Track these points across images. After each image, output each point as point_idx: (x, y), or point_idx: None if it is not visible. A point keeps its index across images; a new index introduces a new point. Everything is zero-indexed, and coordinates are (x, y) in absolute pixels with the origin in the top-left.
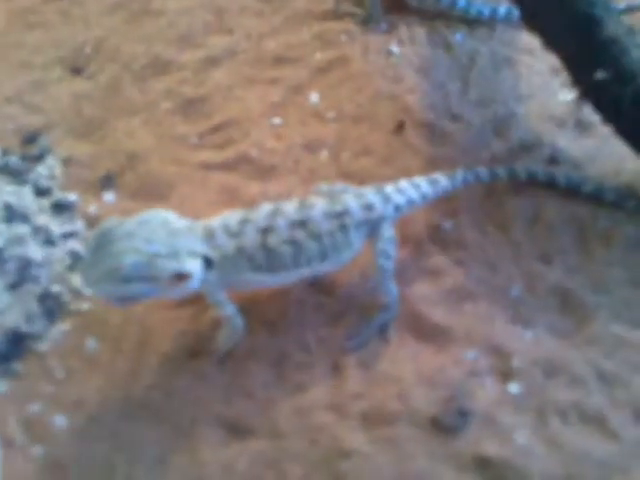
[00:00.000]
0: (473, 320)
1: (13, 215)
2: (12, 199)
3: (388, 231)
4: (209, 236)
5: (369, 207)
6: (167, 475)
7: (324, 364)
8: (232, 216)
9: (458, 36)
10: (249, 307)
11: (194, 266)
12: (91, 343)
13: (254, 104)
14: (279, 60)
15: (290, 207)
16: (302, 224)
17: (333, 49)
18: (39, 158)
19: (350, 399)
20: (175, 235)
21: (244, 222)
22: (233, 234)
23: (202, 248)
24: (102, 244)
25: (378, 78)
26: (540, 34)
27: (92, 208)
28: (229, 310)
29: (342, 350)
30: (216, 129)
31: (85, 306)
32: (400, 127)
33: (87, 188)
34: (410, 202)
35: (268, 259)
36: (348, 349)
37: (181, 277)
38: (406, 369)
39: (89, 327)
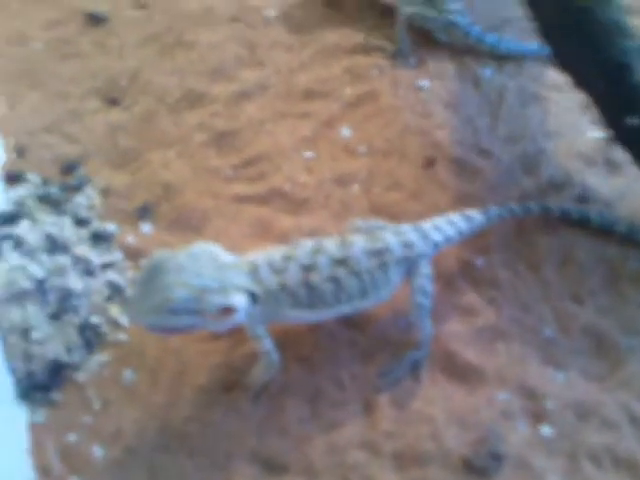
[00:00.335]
0: (505, 360)
1: (54, 246)
2: (53, 229)
3: (426, 268)
4: (254, 271)
5: (409, 245)
6: None
7: (357, 402)
8: (275, 252)
9: (487, 71)
10: (283, 342)
11: (240, 301)
12: (128, 374)
13: (285, 138)
14: (309, 94)
15: (331, 244)
16: (343, 262)
17: (363, 83)
18: (78, 188)
19: (383, 438)
20: (223, 269)
21: (287, 259)
22: (277, 270)
23: (248, 283)
24: (153, 276)
25: (407, 113)
26: (571, 74)
27: (130, 239)
28: (267, 345)
29: (374, 388)
30: (248, 163)
31: (123, 337)
32: (430, 163)
33: (125, 219)
34: (447, 239)
35: (309, 296)
36: (380, 387)
37: (227, 311)
38: (438, 409)
39: (126, 358)
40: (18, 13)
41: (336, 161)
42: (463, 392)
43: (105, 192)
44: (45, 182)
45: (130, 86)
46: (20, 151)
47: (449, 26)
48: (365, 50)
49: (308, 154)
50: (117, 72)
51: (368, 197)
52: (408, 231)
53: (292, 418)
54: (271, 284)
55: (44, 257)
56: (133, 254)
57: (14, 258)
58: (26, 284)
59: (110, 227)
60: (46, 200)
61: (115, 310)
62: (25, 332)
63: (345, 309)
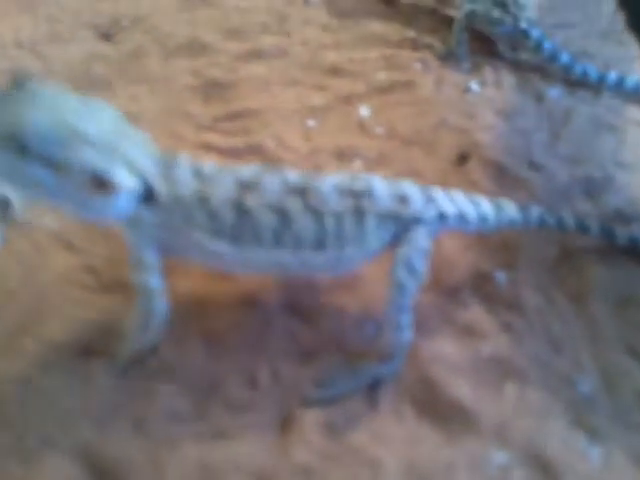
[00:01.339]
0: (513, 410)
1: None
2: None
3: (422, 239)
4: (167, 164)
5: (402, 199)
6: None
7: (270, 411)
8: (210, 162)
9: (553, 91)
10: (186, 306)
11: (126, 181)
12: None
13: (289, 101)
14: (335, 71)
15: (293, 172)
16: (300, 192)
17: (400, 72)
18: None
19: (292, 473)
20: (122, 136)
21: (222, 170)
22: (201, 176)
23: (149, 170)
24: (15, 101)
25: (446, 109)
26: None
27: None
28: (153, 282)
29: (303, 398)
30: (234, 116)
31: None
32: (463, 159)
33: None
34: (462, 218)
35: (238, 224)
36: (312, 399)
37: (101, 184)
38: (391, 453)
39: None
40: None
41: (343, 134)
42: (438, 439)
43: None
44: None
45: (131, 27)
46: None
47: (518, 35)
48: (412, 45)
49: (311, 122)
50: (123, 14)
51: None
52: (407, 186)
53: (161, 411)
54: (185, 189)
55: None
56: None
57: None
58: None
59: None
60: None
61: None
62: None
63: (285, 259)
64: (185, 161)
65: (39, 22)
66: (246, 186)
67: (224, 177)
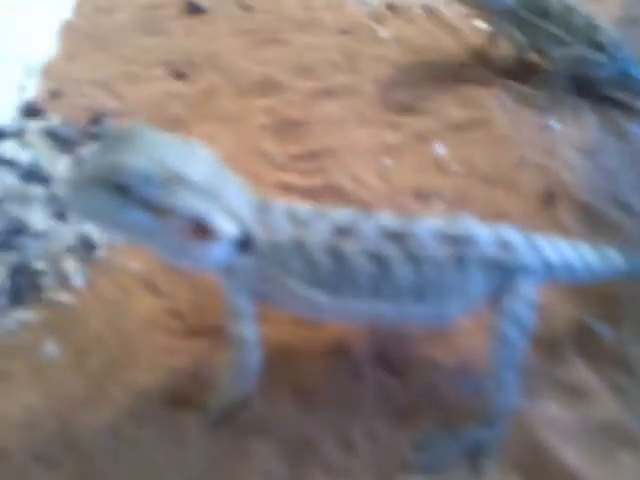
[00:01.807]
0: None
1: (32, 174)
2: (43, 160)
3: (528, 290)
4: (263, 209)
5: (505, 245)
6: None
7: (369, 476)
8: (304, 205)
9: (637, 128)
10: (275, 357)
11: (227, 228)
12: (50, 347)
13: (363, 140)
14: (407, 108)
15: (388, 216)
16: (398, 238)
17: (475, 109)
18: (96, 137)
19: None
20: (220, 180)
21: (318, 213)
22: (297, 220)
23: (247, 215)
24: (117, 143)
25: (526, 147)
26: None
27: None
28: (248, 332)
29: (402, 463)
30: (310, 155)
31: (66, 299)
32: (550, 199)
33: None
34: (568, 267)
35: (335, 272)
36: (412, 465)
37: (201, 231)
38: None
39: (58, 326)
40: None
41: (419, 172)
42: None
43: None
44: (64, 124)
45: (204, 64)
46: (55, 94)
47: (620, 77)
48: (487, 82)
49: (386, 161)
50: (196, 51)
51: None
52: (509, 232)
53: (256, 472)
54: (281, 235)
55: (10, 178)
56: None
57: None
58: None
59: None
60: (53, 136)
61: (71, 265)
62: None
63: (383, 309)
64: (280, 206)
65: (114, 61)
66: (342, 232)
67: (319, 222)
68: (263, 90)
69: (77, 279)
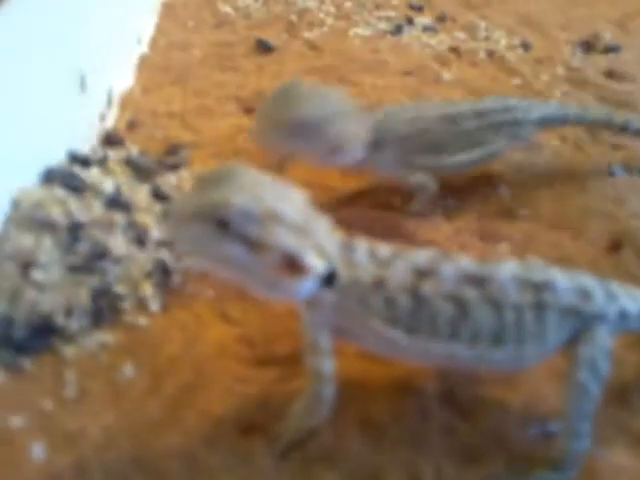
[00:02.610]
0: None
1: (115, 201)
2: (124, 188)
3: (605, 339)
4: (347, 247)
5: (584, 293)
6: None
7: None
8: (383, 245)
9: None
10: (341, 386)
11: (316, 264)
12: (128, 369)
13: None
14: None
15: (466, 259)
16: (478, 281)
17: (539, 153)
18: (173, 167)
19: None
20: (310, 219)
21: (397, 255)
22: (378, 260)
23: (333, 252)
24: (221, 179)
25: (592, 194)
26: None
27: None
28: (326, 366)
29: None
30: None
31: (143, 322)
32: (616, 247)
33: None
34: None
35: (413, 312)
36: None
37: (292, 266)
38: None
39: (135, 349)
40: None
41: (484, 214)
42: None
43: None
44: (142, 154)
45: None
46: (132, 124)
47: None
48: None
49: (450, 201)
50: (265, 88)
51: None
52: (587, 279)
53: None
54: (363, 273)
55: (96, 205)
56: None
57: (60, 190)
58: (58, 218)
59: None
60: (133, 165)
61: (149, 289)
62: (27, 266)
63: (461, 353)
64: (363, 245)
65: (188, 95)
66: (422, 273)
67: (400, 262)
68: None
69: (154, 304)
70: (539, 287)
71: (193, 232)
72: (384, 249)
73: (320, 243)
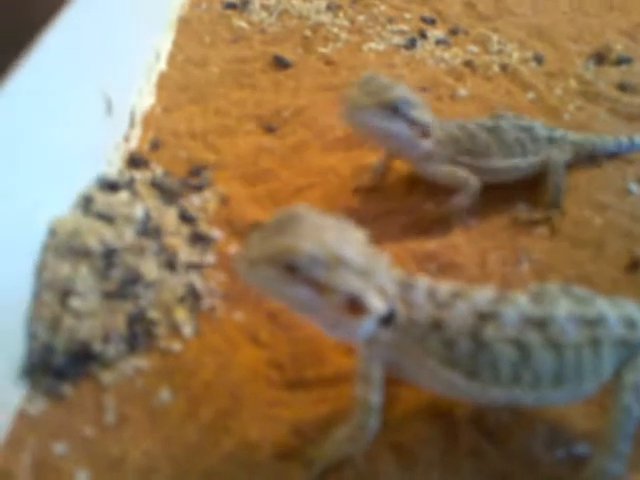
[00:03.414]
0: None
1: (145, 226)
2: (153, 212)
3: None
4: (405, 286)
5: (631, 323)
6: None
7: None
8: (443, 284)
9: None
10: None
11: (378, 305)
12: (165, 394)
13: None
14: None
15: (522, 297)
16: (540, 324)
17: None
18: (198, 188)
19: None
20: (372, 259)
21: (457, 295)
22: (437, 301)
23: (393, 293)
24: (283, 225)
25: (611, 211)
26: None
27: (232, 249)
28: (374, 398)
29: None
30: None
31: (177, 347)
32: (635, 265)
33: (234, 231)
34: None
35: (474, 356)
36: None
37: (354, 307)
38: None
39: (171, 374)
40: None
41: (504, 234)
42: None
43: (224, 201)
44: (166, 175)
45: (292, 119)
46: (155, 145)
47: None
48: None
49: (472, 221)
50: (284, 106)
51: (541, 280)
52: (631, 308)
53: None
54: (422, 314)
55: (128, 231)
56: (228, 265)
57: (94, 218)
58: (94, 246)
59: (215, 233)
60: (159, 187)
61: (182, 314)
62: (65, 295)
63: (520, 396)
64: (422, 283)
65: (209, 114)
66: (483, 317)
67: (460, 304)
68: (348, 145)
69: (187, 328)
70: (593, 323)
71: (263, 275)
72: (443, 288)
73: (380, 283)
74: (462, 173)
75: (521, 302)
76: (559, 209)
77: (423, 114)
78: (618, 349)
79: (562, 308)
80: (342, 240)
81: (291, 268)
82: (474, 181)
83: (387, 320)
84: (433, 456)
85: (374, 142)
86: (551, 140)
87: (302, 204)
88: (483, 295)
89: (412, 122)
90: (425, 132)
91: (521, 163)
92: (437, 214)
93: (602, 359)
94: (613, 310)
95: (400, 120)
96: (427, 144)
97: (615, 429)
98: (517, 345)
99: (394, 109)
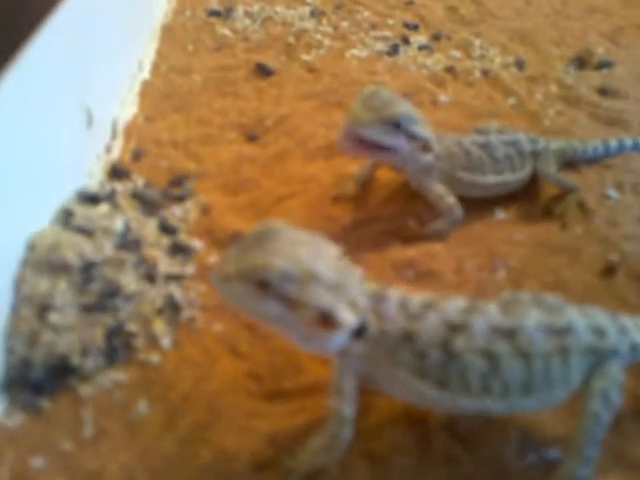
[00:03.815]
0: None
1: (124, 239)
2: (132, 224)
3: (617, 372)
4: (377, 299)
5: (600, 332)
6: None
7: None
8: (414, 295)
9: None
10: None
11: (349, 319)
12: (142, 406)
13: None
14: None
15: (492, 307)
16: (509, 334)
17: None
18: (179, 199)
19: None
20: (343, 273)
21: (428, 306)
22: (408, 313)
23: (364, 306)
24: (257, 240)
25: (588, 215)
26: None
27: (212, 259)
28: (347, 410)
29: None
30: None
31: (155, 359)
32: (610, 271)
33: (214, 241)
34: None
35: (445, 367)
36: None
37: (326, 322)
38: None
39: (148, 386)
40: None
41: (482, 241)
42: None
43: (205, 211)
44: (147, 185)
45: (274, 127)
46: (136, 155)
47: None
48: None
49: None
50: (266, 114)
51: (516, 287)
52: (600, 317)
53: None
54: (393, 326)
55: (107, 244)
56: (208, 276)
57: (73, 232)
58: (72, 260)
59: (195, 244)
60: (140, 199)
61: (160, 326)
62: (43, 309)
63: (490, 406)
64: (393, 295)
65: (192, 123)
66: (454, 328)
67: (431, 315)
68: (330, 153)
69: (165, 340)
70: (562, 332)
71: (236, 291)
72: (416, 300)
73: (352, 297)
74: (450, 200)
75: (491, 312)
76: (576, 192)
77: (424, 129)
78: (587, 357)
79: (531, 318)
80: (315, 255)
81: (263, 284)
82: (458, 211)
83: (359, 333)
84: (407, 463)
85: (373, 158)
86: (535, 154)
87: (278, 219)
88: (454, 305)
89: (413, 137)
90: (425, 147)
91: (510, 178)
92: (418, 233)
93: (571, 367)
94: (582, 319)
95: (401, 135)
96: (427, 158)
97: (584, 435)
98: (487, 355)
99: (396, 124)
